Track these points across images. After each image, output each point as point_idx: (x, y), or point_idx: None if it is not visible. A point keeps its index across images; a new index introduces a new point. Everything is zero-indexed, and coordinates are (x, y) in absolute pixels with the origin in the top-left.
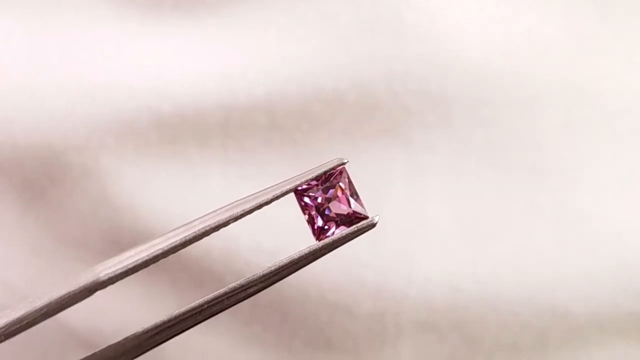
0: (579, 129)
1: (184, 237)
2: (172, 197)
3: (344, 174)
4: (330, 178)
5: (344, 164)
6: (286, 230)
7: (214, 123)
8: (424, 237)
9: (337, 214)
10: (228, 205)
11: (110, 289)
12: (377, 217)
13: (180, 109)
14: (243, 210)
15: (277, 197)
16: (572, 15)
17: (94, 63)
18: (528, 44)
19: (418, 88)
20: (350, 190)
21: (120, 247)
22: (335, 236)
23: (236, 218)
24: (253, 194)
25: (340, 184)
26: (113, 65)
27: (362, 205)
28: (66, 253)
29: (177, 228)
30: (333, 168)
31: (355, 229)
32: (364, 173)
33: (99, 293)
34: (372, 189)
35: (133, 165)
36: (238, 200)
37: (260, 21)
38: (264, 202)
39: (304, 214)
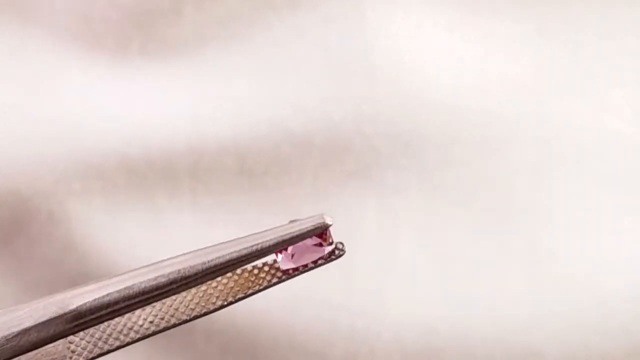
0: (551, 169)
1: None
2: (140, 242)
3: (328, 235)
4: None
5: (328, 225)
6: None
7: (182, 167)
8: (396, 279)
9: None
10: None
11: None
12: (343, 246)
13: (148, 153)
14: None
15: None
16: (542, 55)
17: (60, 107)
18: (498, 83)
19: (388, 129)
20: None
21: None
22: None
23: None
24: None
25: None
26: (80, 109)
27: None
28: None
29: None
30: (316, 228)
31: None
32: (334, 215)
33: None
34: (343, 231)
35: (100, 211)
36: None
37: (228, 64)
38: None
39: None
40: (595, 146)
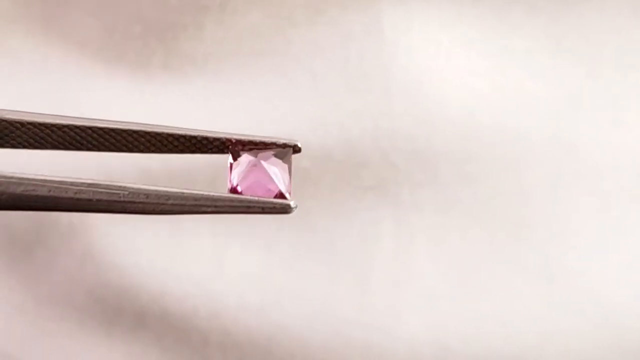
0: (566, 186)
1: None
2: (159, 254)
3: (289, 154)
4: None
5: (295, 147)
6: (272, 288)
7: (202, 180)
8: (411, 294)
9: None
10: None
11: (91, 346)
12: (295, 203)
13: (168, 166)
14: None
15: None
16: (558, 70)
17: None
18: (514, 100)
19: (405, 145)
20: (287, 172)
21: (105, 305)
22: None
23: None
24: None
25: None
26: None
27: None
28: (51, 312)
29: None
30: (284, 145)
31: (266, 201)
32: (351, 230)
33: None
34: (359, 246)
35: (120, 222)
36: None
37: (247, 79)
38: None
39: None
40: (611, 163)
